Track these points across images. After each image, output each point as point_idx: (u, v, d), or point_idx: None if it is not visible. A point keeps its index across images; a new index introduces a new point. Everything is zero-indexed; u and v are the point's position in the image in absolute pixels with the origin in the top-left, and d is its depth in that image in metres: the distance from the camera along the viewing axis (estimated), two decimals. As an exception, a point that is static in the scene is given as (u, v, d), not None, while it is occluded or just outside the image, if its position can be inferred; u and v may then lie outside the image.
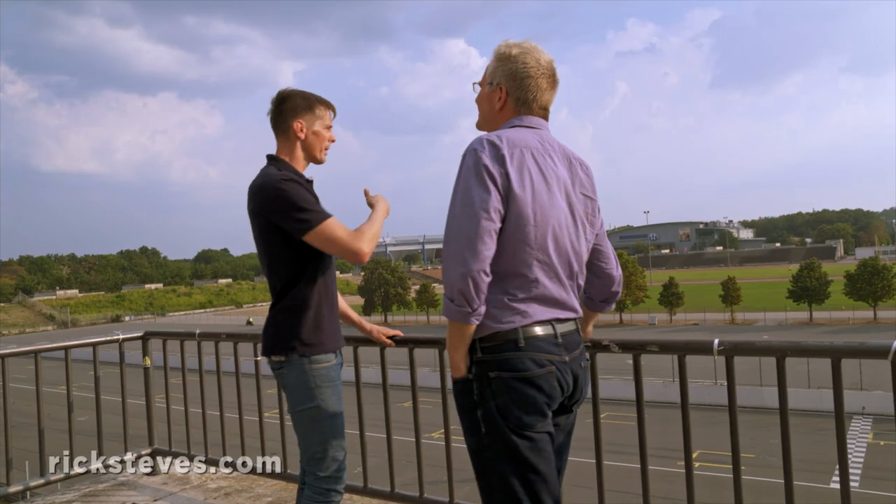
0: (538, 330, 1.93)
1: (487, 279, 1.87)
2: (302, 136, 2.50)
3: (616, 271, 2.25)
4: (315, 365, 2.45)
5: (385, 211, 2.53)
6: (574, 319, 2.05)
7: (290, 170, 2.47)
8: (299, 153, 2.52)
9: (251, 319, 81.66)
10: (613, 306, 2.33)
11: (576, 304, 2.05)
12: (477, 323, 1.91)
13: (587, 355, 2.14)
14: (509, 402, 1.89)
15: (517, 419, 1.89)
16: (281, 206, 2.33)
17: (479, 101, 2.18)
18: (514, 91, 2.07)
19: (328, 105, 2.55)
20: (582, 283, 2.10)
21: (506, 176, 1.89)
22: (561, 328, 1.98)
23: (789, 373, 2.26)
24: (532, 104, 2.07)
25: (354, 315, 2.89)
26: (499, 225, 1.88)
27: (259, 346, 2.62)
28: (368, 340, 3.02)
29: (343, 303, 2.77)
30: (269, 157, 2.53)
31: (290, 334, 2.45)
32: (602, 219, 2.18)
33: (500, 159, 1.90)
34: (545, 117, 2.11)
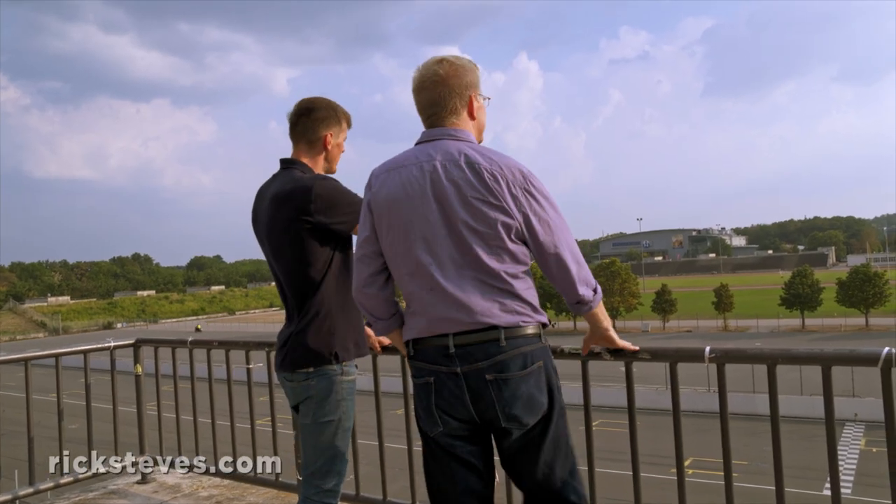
0: (424, 341, 2.02)
1: (376, 296, 2.10)
2: (329, 147, 2.56)
3: (566, 274, 2.02)
4: (345, 377, 2.47)
5: None
6: (484, 331, 1.94)
7: (313, 173, 2.53)
8: (321, 163, 2.58)
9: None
10: (591, 307, 2.10)
11: (488, 315, 1.94)
12: (385, 333, 2.18)
13: (520, 367, 1.95)
14: (415, 403, 2.10)
15: (419, 421, 2.09)
16: (331, 202, 2.38)
17: None
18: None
19: (349, 119, 2.63)
20: (502, 287, 1.96)
21: (369, 203, 2.10)
22: (459, 339, 1.95)
23: (782, 380, 2.27)
24: (423, 120, 2.15)
25: None
26: (370, 249, 2.09)
27: (250, 353, 2.61)
28: None
29: None
30: (290, 161, 2.55)
31: (331, 343, 2.45)
32: (541, 217, 1.98)
33: (368, 185, 2.13)
34: (434, 122, 2.10)
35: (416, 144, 2.10)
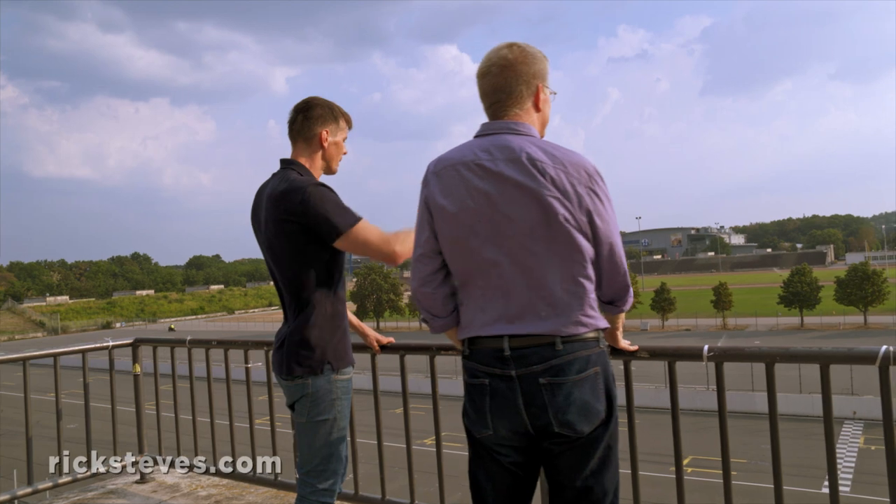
0: (480, 342, 1.95)
1: (433, 294, 2.04)
2: (326, 144, 2.54)
3: (616, 275, 1.99)
4: (340, 377, 2.47)
5: None
6: (541, 335, 1.88)
7: (310, 176, 2.50)
8: (318, 162, 2.56)
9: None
10: (623, 310, 2.09)
11: (543, 320, 1.89)
12: (442, 331, 2.11)
13: (576, 372, 1.88)
14: (465, 403, 2.02)
15: (466, 420, 2.02)
16: (315, 209, 2.33)
17: None
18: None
19: (349, 119, 2.60)
20: (577, 290, 1.90)
21: (426, 198, 2.02)
22: (515, 342, 1.89)
23: (781, 378, 2.27)
24: (485, 108, 2.04)
25: (355, 319, 2.83)
26: (428, 248, 2.02)
27: (248, 352, 2.61)
28: (360, 346, 3.02)
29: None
30: (287, 162, 2.54)
31: (325, 349, 2.44)
32: (603, 218, 1.93)
33: (425, 182, 2.03)
34: (496, 112, 2.00)
35: (475, 137, 2.00)
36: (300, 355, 2.43)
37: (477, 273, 1.94)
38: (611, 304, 2.06)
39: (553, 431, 1.88)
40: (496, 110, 1.99)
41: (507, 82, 1.97)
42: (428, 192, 2.00)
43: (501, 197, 1.89)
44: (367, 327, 2.95)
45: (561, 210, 1.86)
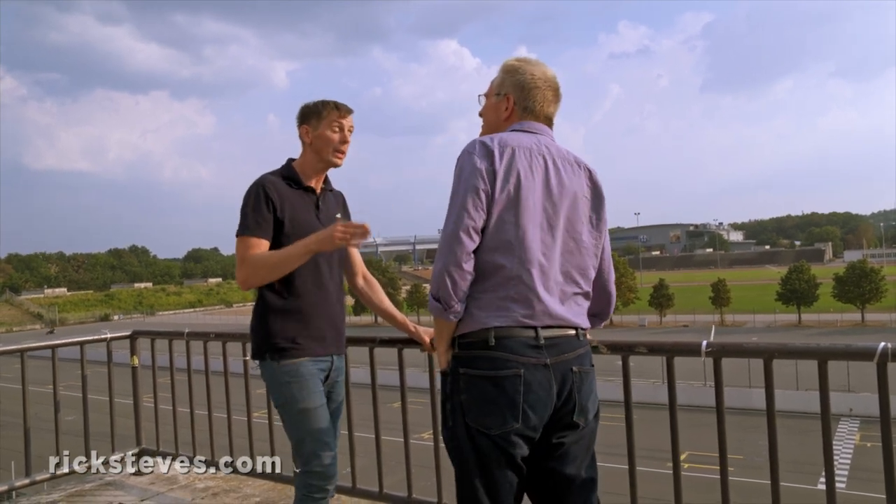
0: (512, 331, 1.90)
1: (467, 277, 1.91)
2: (308, 140, 2.56)
3: (610, 286, 2.19)
4: (283, 361, 2.46)
5: (307, 245, 2.36)
6: (568, 326, 1.97)
7: (288, 173, 2.56)
8: (309, 157, 2.58)
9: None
10: (602, 323, 2.22)
11: (571, 312, 1.98)
12: (455, 320, 1.95)
13: (590, 363, 2.05)
14: (472, 400, 1.92)
15: (476, 418, 1.91)
16: (241, 204, 2.48)
17: (484, 112, 2.21)
18: (520, 100, 2.11)
19: (337, 106, 2.54)
20: (585, 289, 2.05)
21: (493, 173, 1.91)
22: (546, 332, 1.92)
23: (778, 374, 2.27)
24: (538, 113, 2.11)
25: (399, 315, 2.82)
26: (480, 222, 1.91)
27: (246, 345, 2.66)
28: (361, 340, 3.04)
29: (388, 303, 2.81)
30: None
31: (263, 339, 2.49)
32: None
33: (488, 156, 1.93)
34: (549, 126, 2.14)
35: (523, 132, 2.05)
36: (251, 341, 2.56)
37: (522, 258, 1.93)
38: (594, 317, 2.21)
39: (569, 421, 1.96)
40: (546, 123, 2.14)
41: (557, 109, 2.19)
42: (489, 166, 1.92)
43: (565, 191, 2.01)
44: (409, 321, 2.83)
45: (602, 214, 2.11)
